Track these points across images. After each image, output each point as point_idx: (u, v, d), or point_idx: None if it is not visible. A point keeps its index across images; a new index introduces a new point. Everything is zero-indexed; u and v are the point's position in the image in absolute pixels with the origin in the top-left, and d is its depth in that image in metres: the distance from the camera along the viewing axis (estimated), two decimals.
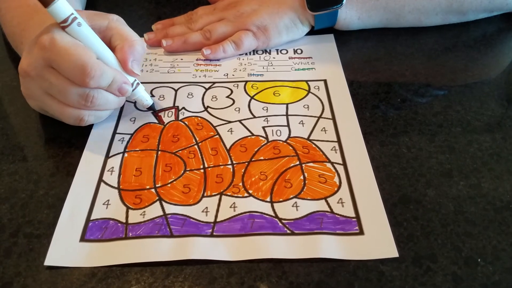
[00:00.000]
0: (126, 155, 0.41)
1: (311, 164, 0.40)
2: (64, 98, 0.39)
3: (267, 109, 0.46)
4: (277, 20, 0.52)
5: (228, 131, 0.43)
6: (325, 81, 0.49)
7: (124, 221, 0.36)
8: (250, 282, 0.32)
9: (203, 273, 0.33)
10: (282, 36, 0.53)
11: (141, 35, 0.54)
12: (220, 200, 0.37)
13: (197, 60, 0.52)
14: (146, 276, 0.32)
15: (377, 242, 0.34)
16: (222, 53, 0.51)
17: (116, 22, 0.42)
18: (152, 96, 0.47)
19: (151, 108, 0.45)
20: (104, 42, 0.40)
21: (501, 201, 0.37)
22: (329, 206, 0.37)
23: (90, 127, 0.43)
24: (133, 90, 0.42)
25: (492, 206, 0.37)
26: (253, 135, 0.43)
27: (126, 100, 0.45)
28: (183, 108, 0.46)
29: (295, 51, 0.53)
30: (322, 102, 0.46)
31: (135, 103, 0.46)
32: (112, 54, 0.41)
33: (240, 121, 0.44)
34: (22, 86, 0.41)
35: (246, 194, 0.38)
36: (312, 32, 0.55)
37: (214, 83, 0.49)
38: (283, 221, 0.36)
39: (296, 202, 0.37)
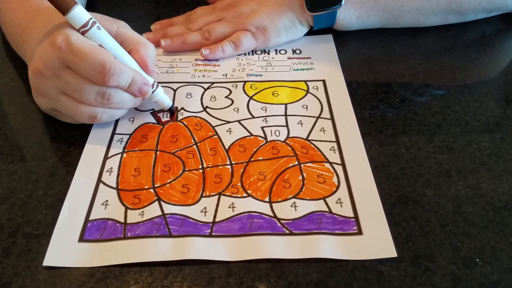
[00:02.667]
0: (125, 155, 0.41)
1: (309, 164, 0.40)
2: (80, 96, 0.39)
3: (266, 109, 0.46)
4: (276, 20, 0.52)
5: (227, 131, 0.43)
6: (324, 81, 0.49)
7: (122, 221, 0.36)
8: (249, 282, 0.32)
9: (202, 273, 0.33)
10: (281, 36, 0.53)
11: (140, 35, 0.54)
12: (219, 200, 0.37)
13: (196, 60, 0.52)
14: (145, 276, 0.32)
15: (375, 242, 0.34)
16: (221, 53, 0.52)
17: (124, 28, 0.43)
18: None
19: (171, 110, 0.45)
20: None
21: (499, 201, 0.37)
22: (328, 206, 0.37)
23: (89, 127, 0.43)
24: (153, 92, 0.43)
25: (491, 206, 0.37)
26: (252, 135, 0.43)
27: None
28: (182, 108, 0.46)
29: (294, 51, 0.53)
30: (321, 102, 0.46)
31: None
32: (130, 56, 0.41)
33: (239, 121, 0.44)
34: (34, 86, 0.41)
35: (245, 194, 0.38)
36: (311, 32, 0.55)
37: (213, 83, 0.49)
38: (282, 221, 0.36)
39: (294, 202, 0.37)
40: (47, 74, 0.38)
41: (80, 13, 0.38)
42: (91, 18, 0.39)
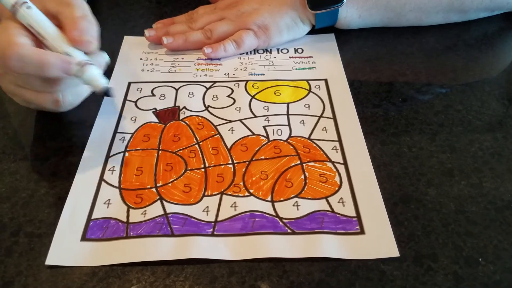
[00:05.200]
0: (127, 154, 0.41)
1: (312, 163, 0.40)
2: (30, 84, 0.39)
3: (267, 109, 0.46)
4: (278, 19, 0.52)
5: (229, 130, 0.43)
6: (326, 80, 0.49)
7: (125, 220, 0.36)
8: (251, 282, 0.32)
9: (204, 272, 0.33)
10: (283, 35, 0.53)
11: (141, 35, 0.54)
12: (221, 199, 0.37)
13: (198, 59, 0.52)
14: (147, 275, 0.32)
15: (378, 241, 0.34)
16: (223, 52, 0.51)
17: (69, 6, 0.40)
18: (153, 95, 0.47)
19: (107, 94, 0.40)
20: (56, 25, 0.40)
21: (502, 201, 0.37)
22: (330, 206, 0.37)
23: (91, 126, 0.43)
24: (82, 69, 0.38)
25: (493, 205, 0.37)
26: (253, 134, 0.43)
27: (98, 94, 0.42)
28: (184, 107, 0.46)
29: (295, 51, 0.53)
30: (323, 102, 0.46)
31: (136, 102, 0.46)
32: (61, 33, 0.39)
33: (241, 120, 0.44)
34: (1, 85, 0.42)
35: (247, 194, 0.38)
36: (313, 31, 0.55)
37: (215, 82, 0.49)
38: (284, 221, 0.36)
39: (297, 202, 0.37)
40: None
41: None
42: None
